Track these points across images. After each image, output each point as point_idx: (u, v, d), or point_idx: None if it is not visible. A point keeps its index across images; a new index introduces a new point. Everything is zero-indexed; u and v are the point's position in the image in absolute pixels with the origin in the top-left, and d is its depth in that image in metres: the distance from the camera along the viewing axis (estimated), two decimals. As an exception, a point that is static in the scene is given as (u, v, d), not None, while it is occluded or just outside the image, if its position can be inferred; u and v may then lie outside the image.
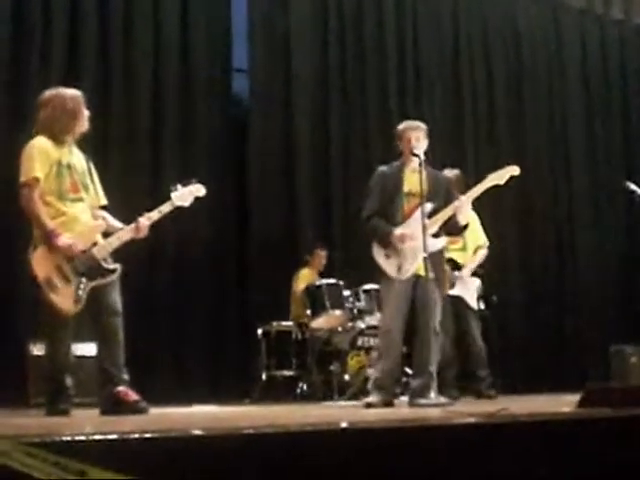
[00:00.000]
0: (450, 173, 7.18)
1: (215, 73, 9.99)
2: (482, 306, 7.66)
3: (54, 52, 8.81)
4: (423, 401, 5.53)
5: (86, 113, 5.32)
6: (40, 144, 5.12)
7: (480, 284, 7.69)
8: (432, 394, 5.70)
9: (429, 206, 5.90)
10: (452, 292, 7.37)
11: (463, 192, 6.27)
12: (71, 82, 8.20)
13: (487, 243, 7.84)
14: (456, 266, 7.54)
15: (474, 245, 7.77)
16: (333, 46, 10.65)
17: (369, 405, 5.69)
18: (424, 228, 5.68)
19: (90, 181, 5.33)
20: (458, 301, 7.52)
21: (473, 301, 7.59)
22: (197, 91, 9.73)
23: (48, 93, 5.32)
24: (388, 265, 5.98)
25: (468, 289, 7.58)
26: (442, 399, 5.67)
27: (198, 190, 5.63)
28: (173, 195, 5.48)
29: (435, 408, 4.92)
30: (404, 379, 7.39)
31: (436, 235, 5.95)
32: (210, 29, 9.95)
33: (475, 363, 7.55)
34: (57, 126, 5.18)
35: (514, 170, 6.28)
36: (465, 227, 6.17)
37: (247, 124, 10.29)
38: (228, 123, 10.11)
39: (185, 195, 5.54)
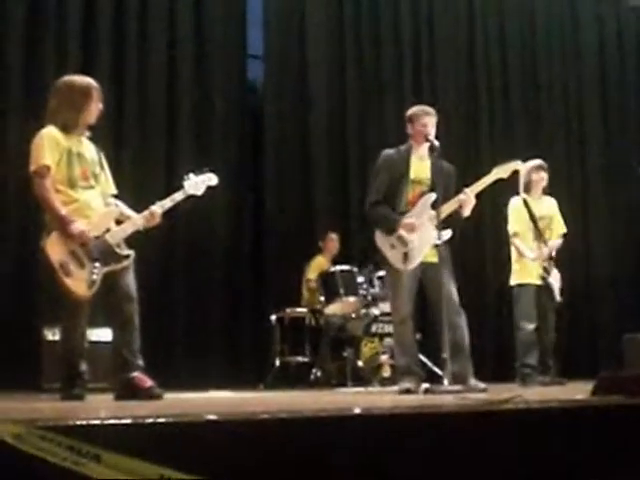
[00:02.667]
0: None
1: (230, 60, 9.99)
2: (561, 299, 7.70)
3: (69, 45, 8.84)
4: (439, 387, 5.51)
5: (95, 105, 5.26)
6: (49, 133, 5.11)
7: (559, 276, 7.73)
8: (472, 379, 5.72)
9: (433, 195, 5.88)
10: (548, 280, 7.50)
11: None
12: (86, 71, 8.34)
13: (564, 231, 7.89)
14: (551, 256, 7.60)
15: (558, 233, 7.83)
16: (348, 31, 10.63)
17: (408, 391, 5.66)
18: (437, 216, 5.66)
19: (100, 170, 5.32)
20: (544, 290, 7.54)
21: (558, 293, 7.62)
22: (212, 78, 9.75)
23: (59, 82, 5.30)
24: (393, 255, 5.93)
25: (556, 280, 7.62)
26: (480, 385, 5.69)
27: (210, 179, 5.65)
28: (186, 184, 5.49)
29: (449, 395, 4.91)
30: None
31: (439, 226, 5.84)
32: (225, 16, 9.94)
33: (546, 352, 7.57)
34: (62, 117, 5.16)
35: (517, 165, 6.37)
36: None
37: (262, 111, 10.29)
38: (243, 110, 10.11)
39: (198, 184, 5.55)
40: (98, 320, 5.86)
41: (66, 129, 5.16)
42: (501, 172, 6.24)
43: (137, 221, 5.25)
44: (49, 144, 5.06)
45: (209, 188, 5.64)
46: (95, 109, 5.27)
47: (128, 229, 5.22)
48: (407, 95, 10.59)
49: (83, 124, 5.25)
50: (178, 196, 5.45)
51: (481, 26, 11.49)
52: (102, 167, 5.36)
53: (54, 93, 5.26)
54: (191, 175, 5.54)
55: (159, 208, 5.30)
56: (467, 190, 5.99)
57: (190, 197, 5.53)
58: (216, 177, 5.67)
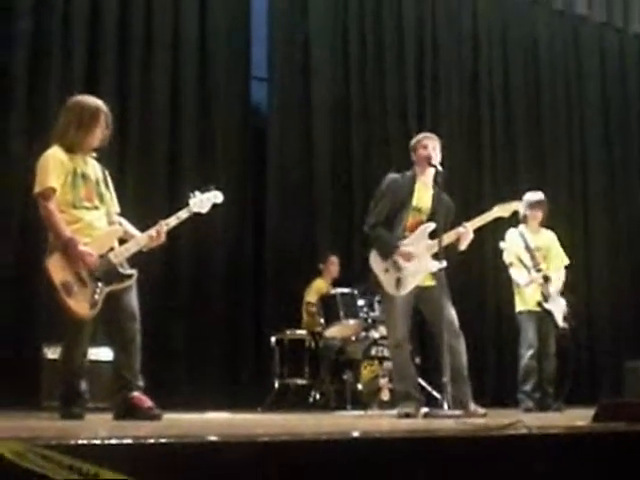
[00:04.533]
0: None
1: (234, 81, 10.02)
2: (565, 325, 7.73)
3: (74, 63, 8.86)
4: (439, 412, 5.50)
5: (101, 130, 5.26)
6: (55, 154, 5.12)
7: (565, 304, 7.76)
8: (472, 404, 5.73)
9: (432, 225, 5.90)
10: (546, 306, 7.59)
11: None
12: (90, 87, 8.38)
13: (567, 263, 8.00)
14: (550, 283, 7.67)
15: (559, 265, 7.93)
16: (353, 54, 10.68)
17: (407, 415, 5.66)
18: (439, 245, 5.69)
19: (105, 189, 5.33)
20: (545, 316, 7.62)
21: (560, 319, 7.67)
22: (216, 99, 9.76)
23: (70, 101, 5.31)
24: (386, 279, 5.95)
25: (558, 306, 7.66)
26: (480, 410, 5.68)
27: (216, 197, 5.65)
28: (191, 202, 5.49)
29: (449, 419, 4.90)
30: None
31: (435, 256, 5.88)
32: (229, 37, 9.98)
33: (546, 378, 7.62)
34: (69, 137, 5.18)
35: (518, 206, 6.63)
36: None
37: (266, 132, 10.32)
38: (247, 131, 10.13)
39: (203, 202, 5.55)
40: (98, 339, 5.86)
41: (72, 149, 5.17)
42: (502, 211, 6.37)
43: (141, 240, 5.25)
44: (54, 166, 5.07)
45: (213, 206, 5.65)
46: (100, 133, 5.27)
47: (132, 248, 5.22)
48: (410, 120, 10.64)
49: (88, 146, 5.26)
50: (183, 214, 5.45)
51: (485, 54, 11.55)
52: (107, 186, 5.37)
53: (64, 112, 5.27)
54: (197, 193, 5.55)
55: (164, 226, 5.31)
56: (467, 224, 6.02)
57: (195, 215, 5.55)
58: (221, 195, 5.67)
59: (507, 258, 7.73)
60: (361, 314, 8.52)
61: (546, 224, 7.96)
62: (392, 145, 10.33)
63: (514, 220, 7.58)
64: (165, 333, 8.73)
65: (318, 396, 8.57)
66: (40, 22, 8.74)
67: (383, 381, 8.22)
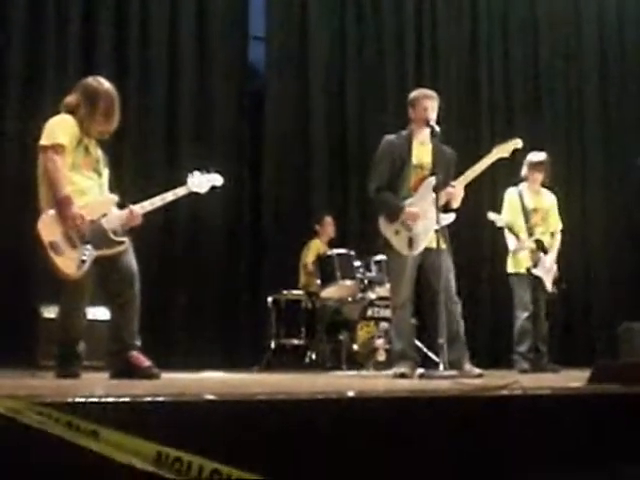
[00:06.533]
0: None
1: (232, 41, 9.97)
2: (554, 290, 7.77)
3: (69, 29, 8.85)
4: (434, 372, 5.52)
5: (116, 116, 5.25)
6: (68, 118, 5.12)
7: (556, 269, 7.79)
8: (467, 365, 5.75)
9: (434, 180, 5.88)
10: (534, 271, 7.61)
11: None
12: (87, 54, 8.38)
13: (561, 227, 8.01)
14: (542, 247, 7.67)
15: (554, 229, 7.95)
16: (350, 13, 10.61)
17: (403, 375, 5.67)
18: (437, 200, 5.69)
19: (103, 170, 5.31)
20: (536, 281, 7.65)
21: (549, 284, 7.72)
22: (214, 60, 9.73)
23: (87, 82, 5.25)
24: (398, 241, 5.94)
25: (548, 272, 7.69)
26: (475, 370, 5.72)
27: (215, 179, 5.72)
28: (189, 181, 5.54)
29: (445, 380, 4.92)
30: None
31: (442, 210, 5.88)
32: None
33: (540, 339, 7.67)
34: (80, 119, 5.15)
35: (517, 143, 6.31)
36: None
37: (264, 93, 10.26)
38: (245, 93, 10.08)
39: (202, 182, 5.62)
40: (95, 298, 5.86)
41: (81, 128, 5.16)
42: (501, 151, 6.21)
43: (139, 209, 5.24)
44: (65, 126, 5.07)
45: (213, 188, 5.70)
46: (111, 125, 5.27)
47: (124, 218, 5.20)
48: (409, 77, 10.60)
49: (97, 132, 5.25)
50: (181, 191, 5.48)
51: (485, 17, 11.45)
52: (105, 167, 5.34)
53: (81, 92, 5.22)
54: (196, 172, 5.58)
55: (160, 201, 5.32)
56: (454, 183, 5.96)
57: (193, 194, 5.56)
58: (221, 178, 5.73)
59: (504, 218, 7.69)
60: (358, 275, 8.53)
61: (548, 185, 7.93)
62: (389, 105, 10.28)
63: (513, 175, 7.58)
64: (163, 293, 8.74)
65: (314, 356, 8.60)
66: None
67: (379, 342, 8.26)
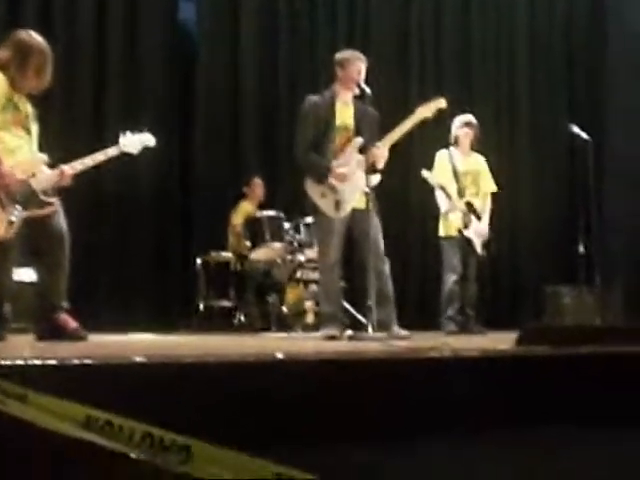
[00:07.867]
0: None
1: (162, 1, 9.82)
2: (484, 253, 7.84)
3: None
4: (363, 334, 5.57)
5: (49, 72, 5.13)
6: None
7: (488, 231, 7.85)
8: (395, 327, 5.80)
9: (360, 140, 5.89)
10: (465, 233, 7.66)
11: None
12: (12, 9, 8.17)
13: (494, 190, 8.05)
14: (473, 210, 7.72)
15: (485, 191, 7.99)
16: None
17: (332, 337, 5.68)
18: (365, 161, 5.70)
19: (33, 125, 5.19)
20: (466, 243, 7.70)
21: (479, 247, 7.77)
22: (143, 20, 9.55)
23: (19, 36, 5.09)
24: (325, 203, 5.94)
25: (479, 234, 7.75)
26: (403, 332, 5.77)
27: (149, 140, 5.62)
28: (121, 141, 5.44)
29: (374, 342, 4.97)
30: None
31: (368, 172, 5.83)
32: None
33: (468, 302, 7.75)
34: (10, 75, 5.00)
35: (441, 102, 6.28)
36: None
37: (194, 54, 10.12)
38: (175, 53, 9.94)
39: (134, 143, 5.52)
40: (20, 260, 5.77)
41: (11, 85, 5.02)
42: (425, 111, 6.17)
43: (68, 169, 5.15)
44: None
45: (145, 148, 5.61)
46: (42, 82, 5.15)
47: (54, 178, 5.11)
48: (341, 43, 10.54)
49: (27, 89, 5.11)
50: (112, 151, 5.38)
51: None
52: (34, 123, 5.22)
53: (11, 46, 5.05)
54: (128, 133, 5.49)
55: (90, 161, 5.23)
56: (379, 144, 5.92)
57: (124, 154, 5.48)
58: (154, 139, 5.64)
59: (432, 180, 7.73)
60: (287, 237, 8.54)
61: (476, 148, 8.00)
62: (320, 65, 10.23)
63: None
64: (91, 255, 8.62)
65: (243, 318, 8.63)
66: None
67: (308, 304, 8.31)
